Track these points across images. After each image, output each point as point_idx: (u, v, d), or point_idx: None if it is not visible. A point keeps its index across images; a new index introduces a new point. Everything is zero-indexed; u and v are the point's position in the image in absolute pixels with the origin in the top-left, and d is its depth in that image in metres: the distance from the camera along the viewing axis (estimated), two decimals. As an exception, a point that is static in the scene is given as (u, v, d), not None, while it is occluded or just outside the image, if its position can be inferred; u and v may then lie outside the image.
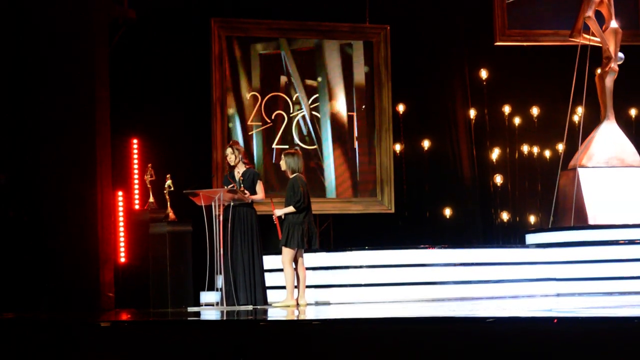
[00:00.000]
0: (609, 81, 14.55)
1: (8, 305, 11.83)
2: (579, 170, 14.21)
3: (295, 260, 11.36)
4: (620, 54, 14.64)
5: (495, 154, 16.43)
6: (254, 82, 15.17)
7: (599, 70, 14.66)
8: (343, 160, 15.53)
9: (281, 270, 11.49)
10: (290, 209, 11.30)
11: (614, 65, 14.51)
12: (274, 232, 11.62)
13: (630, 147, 14.58)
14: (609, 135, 14.54)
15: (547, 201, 15.22)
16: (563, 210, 14.36)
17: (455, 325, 6.95)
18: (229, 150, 11.68)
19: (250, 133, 15.04)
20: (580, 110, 15.24)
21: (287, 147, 14.76)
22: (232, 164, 11.65)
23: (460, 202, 16.24)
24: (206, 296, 12.65)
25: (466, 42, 16.33)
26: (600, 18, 14.73)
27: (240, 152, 11.67)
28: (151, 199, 13.11)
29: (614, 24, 14.61)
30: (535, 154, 16.49)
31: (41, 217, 12.43)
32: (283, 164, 11.46)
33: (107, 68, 12.91)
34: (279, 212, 11.45)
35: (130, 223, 13.42)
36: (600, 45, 14.63)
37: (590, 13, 14.38)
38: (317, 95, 15.47)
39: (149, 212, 13.05)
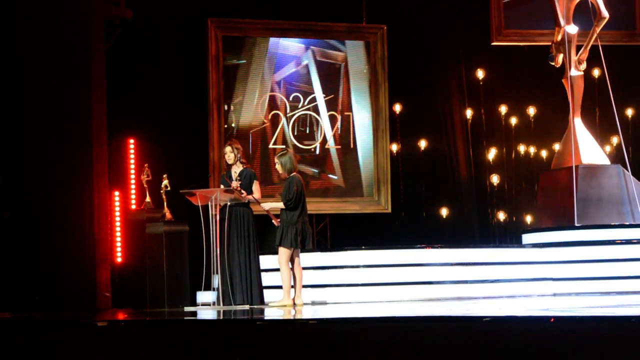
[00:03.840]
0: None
1: (4, 305, 11.82)
2: (621, 168, 14.15)
3: (292, 260, 11.35)
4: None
5: (492, 153, 16.44)
6: (250, 82, 15.16)
7: (574, 72, 14.43)
8: (340, 160, 15.53)
9: (278, 270, 11.48)
10: (280, 205, 11.31)
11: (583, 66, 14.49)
12: (270, 232, 11.60)
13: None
14: (590, 134, 14.53)
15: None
16: (591, 205, 14.10)
17: (451, 324, 6.95)
18: (228, 149, 11.68)
19: (252, 131, 15.03)
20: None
21: (283, 146, 14.79)
22: (230, 162, 11.65)
23: (456, 202, 16.25)
24: (203, 296, 12.65)
25: (463, 42, 16.34)
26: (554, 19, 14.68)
27: (239, 151, 11.67)
28: (148, 199, 13.11)
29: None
30: (532, 153, 16.50)
31: (37, 217, 12.41)
32: (279, 167, 11.44)
33: (104, 68, 12.91)
34: (267, 205, 11.47)
35: (127, 223, 13.42)
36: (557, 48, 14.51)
37: (606, 14, 14.29)
38: (314, 95, 15.47)
39: (145, 211, 13.05)
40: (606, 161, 14.35)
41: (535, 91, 16.39)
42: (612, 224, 13.61)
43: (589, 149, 14.32)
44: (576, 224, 13.58)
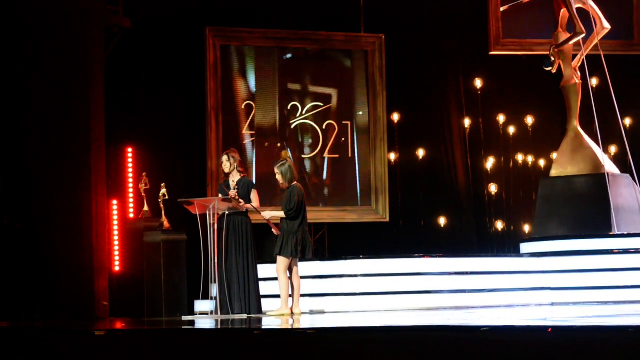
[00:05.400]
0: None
1: (2, 313, 11.81)
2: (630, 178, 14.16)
3: (290, 269, 11.35)
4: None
5: (490, 163, 16.45)
6: (249, 90, 15.17)
7: (576, 80, 14.38)
8: (338, 169, 15.54)
9: (276, 279, 11.48)
10: (281, 214, 11.31)
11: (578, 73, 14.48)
12: (269, 241, 11.59)
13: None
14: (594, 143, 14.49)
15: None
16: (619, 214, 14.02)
17: (449, 334, 6.94)
18: (224, 158, 11.69)
19: (244, 142, 15.03)
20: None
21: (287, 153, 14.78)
22: (227, 171, 11.66)
23: (454, 211, 16.25)
24: (200, 305, 12.65)
25: (461, 51, 16.35)
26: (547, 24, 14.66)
27: (236, 160, 11.67)
28: (146, 208, 13.11)
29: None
30: (530, 163, 16.50)
31: (36, 225, 12.41)
32: (279, 177, 11.43)
33: (102, 76, 12.92)
34: (267, 214, 11.46)
35: (125, 231, 13.41)
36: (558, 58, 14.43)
37: (608, 25, 14.29)
38: (313, 103, 15.48)
39: (143, 220, 13.05)
40: (617, 170, 14.36)
41: (534, 100, 16.40)
42: (610, 233, 13.61)
43: (602, 157, 14.29)
44: (616, 232, 13.53)
